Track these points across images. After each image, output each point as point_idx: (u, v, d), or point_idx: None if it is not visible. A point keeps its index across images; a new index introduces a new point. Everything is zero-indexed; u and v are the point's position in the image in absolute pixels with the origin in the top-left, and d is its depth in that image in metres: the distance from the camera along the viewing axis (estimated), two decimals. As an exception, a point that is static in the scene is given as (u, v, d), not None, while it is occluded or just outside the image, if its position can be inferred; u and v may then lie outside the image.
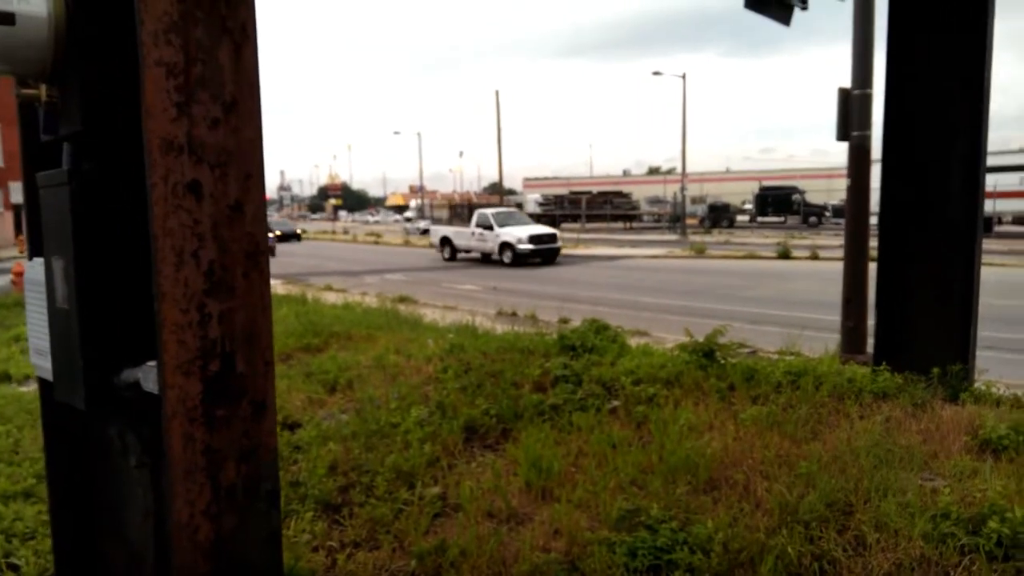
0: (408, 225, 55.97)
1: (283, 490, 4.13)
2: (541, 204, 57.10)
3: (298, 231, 50.96)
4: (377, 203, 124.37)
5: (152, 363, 1.76)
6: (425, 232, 41.51)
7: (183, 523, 1.66)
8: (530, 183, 75.45)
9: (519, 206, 58.36)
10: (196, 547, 1.71)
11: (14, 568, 3.39)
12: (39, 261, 2.11)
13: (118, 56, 1.80)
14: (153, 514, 1.93)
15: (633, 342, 8.19)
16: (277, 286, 17.61)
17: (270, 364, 1.77)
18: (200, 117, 1.65)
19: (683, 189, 42.83)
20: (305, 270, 24.21)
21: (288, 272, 22.91)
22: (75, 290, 1.86)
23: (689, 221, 43.83)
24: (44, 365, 2.12)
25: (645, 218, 53.70)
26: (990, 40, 5.86)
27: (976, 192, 5.93)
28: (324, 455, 4.66)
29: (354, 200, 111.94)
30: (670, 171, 70.54)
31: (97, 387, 1.87)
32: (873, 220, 10.12)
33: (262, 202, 1.75)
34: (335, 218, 70.21)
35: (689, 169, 44.83)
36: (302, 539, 3.68)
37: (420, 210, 63.95)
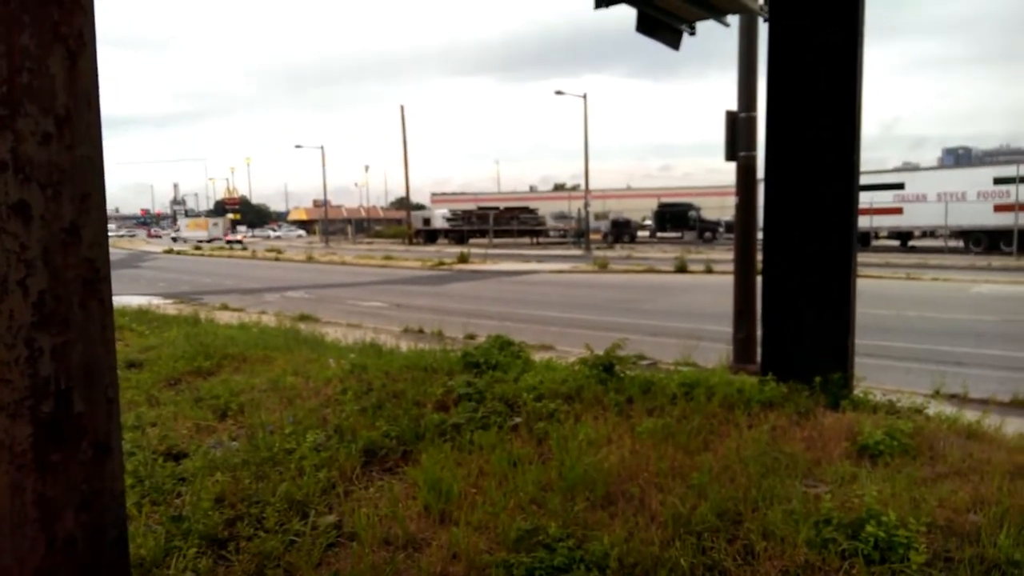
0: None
1: (165, 525, 3.88)
2: (449, 219, 57.16)
3: None
4: (279, 218, 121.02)
5: (-23, 404, 1.57)
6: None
7: (13, 582, 1.48)
8: (438, 198, 75.21)
9: (427, 220, 58.56)
10: (31, 607, 1.51)
11: None
12: None
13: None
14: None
15: (538, 357, 8.22)
16: (167, 306, 16.74)
17: (114, 401, 1.61)
18: (27, 132, 1.48)
19: (587, 205, 43.91)
20: (199, 289, 23.12)
21: (180, 291, 21.83)
22: None
23: (593, 236, 44.94)
24: None
25: (551, 233, 54.59)
26: (860, 66, 6.22)
27: (850, 210, 6.25)
28: (211, 486, 4.40)
29: (254, 215, 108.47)
30: (575, 188, 72.15)
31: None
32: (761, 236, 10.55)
33: (102, 225, 1.58)
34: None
35: (592, 186, 46.06)
36: (183, 578, 3.44)
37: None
